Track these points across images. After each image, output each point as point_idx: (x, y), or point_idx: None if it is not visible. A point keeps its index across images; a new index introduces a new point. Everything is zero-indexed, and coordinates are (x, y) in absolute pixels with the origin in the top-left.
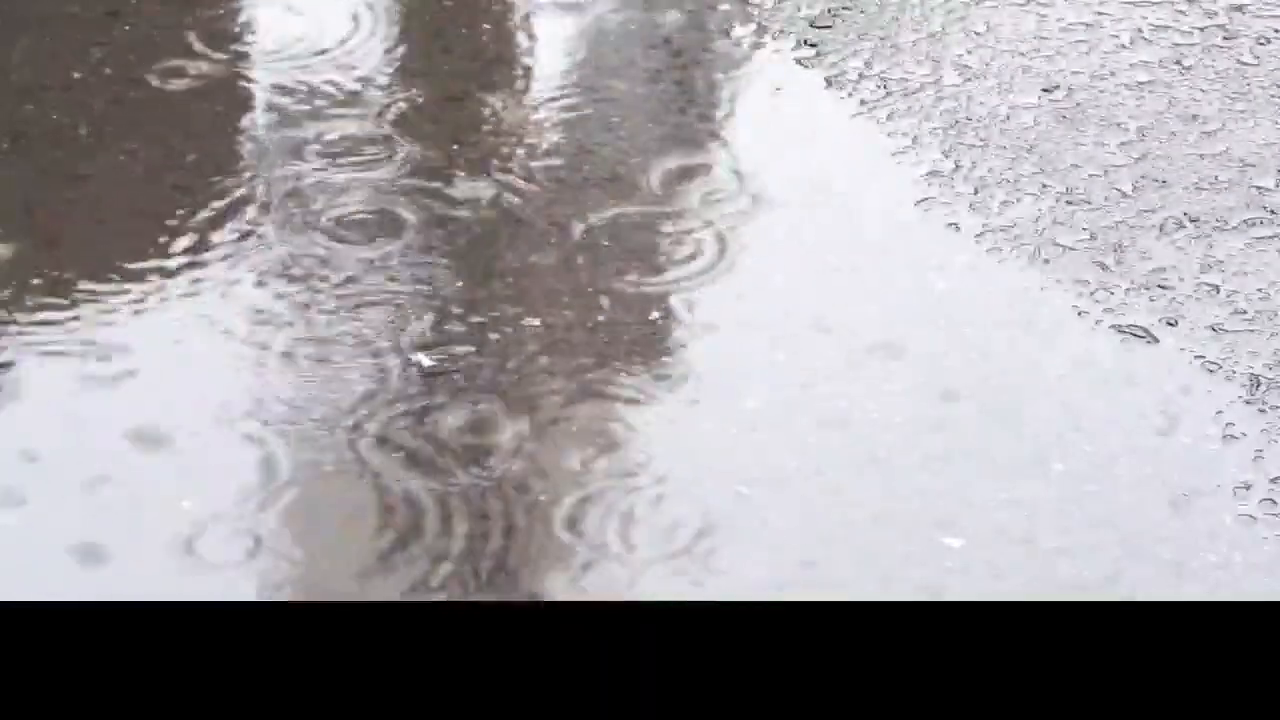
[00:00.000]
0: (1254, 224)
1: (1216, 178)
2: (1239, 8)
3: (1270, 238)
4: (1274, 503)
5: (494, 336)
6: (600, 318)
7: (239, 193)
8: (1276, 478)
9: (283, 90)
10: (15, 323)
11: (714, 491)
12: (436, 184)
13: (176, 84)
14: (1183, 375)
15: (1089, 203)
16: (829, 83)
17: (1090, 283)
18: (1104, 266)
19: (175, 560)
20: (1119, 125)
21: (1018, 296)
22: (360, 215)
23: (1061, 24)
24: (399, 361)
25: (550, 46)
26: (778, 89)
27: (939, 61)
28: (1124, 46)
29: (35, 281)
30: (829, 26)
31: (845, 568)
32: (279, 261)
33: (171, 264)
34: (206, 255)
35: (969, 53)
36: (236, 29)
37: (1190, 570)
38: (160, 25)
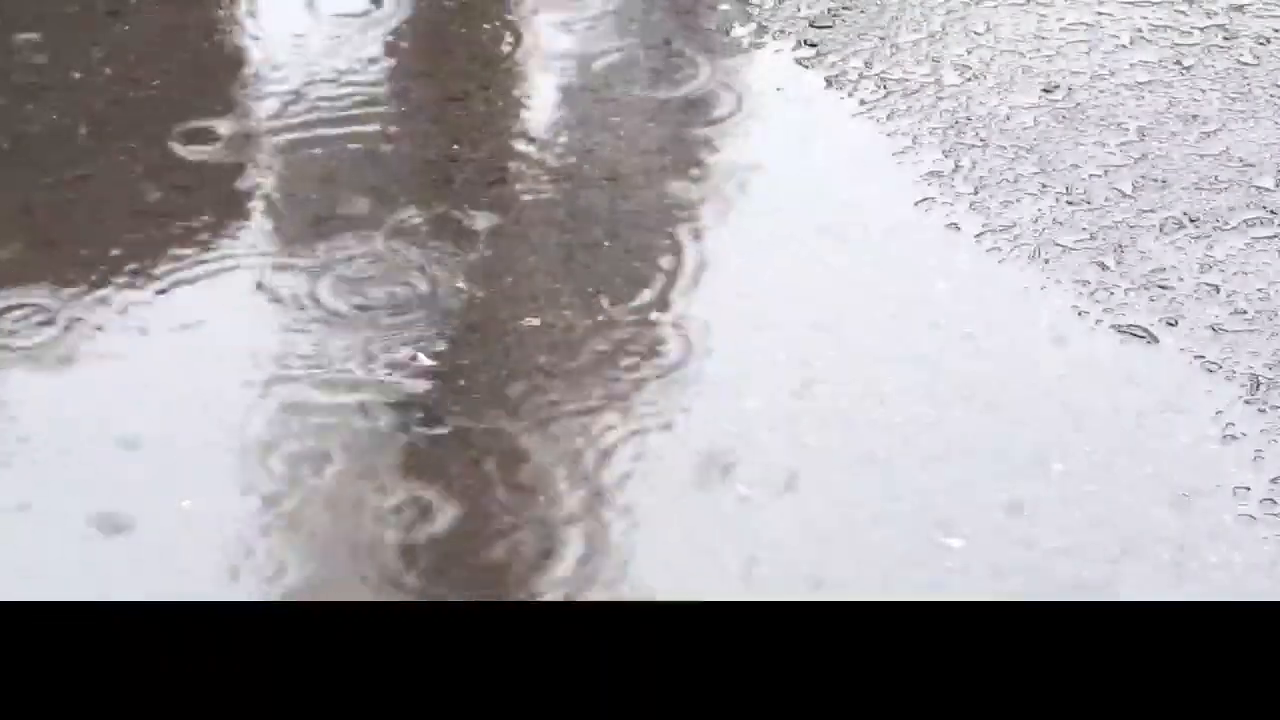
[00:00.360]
0: (1254, 224)
1: (1216, 178)
2: (1239, 8)
3: (1270, 238)
4: (1274, 503)
5: (494, 337)
6: (600, 318)
7: (239, 192)
8: (1276, 478)
9: (283, 90)
10: (15, 322)
11: (714, 492)
12: (436, 184)
13: (176, 83)
14: (1183, 375)
15: (1089, 203)
16: (829, 83)
17: (1090, 283)
18: (1104, 266)
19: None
20: (1119, 125)
21: (1018, 296)
22: (360, 215)
23: (1061, 24)
24: (399, 361)
25: (550, 47)
26: (778, 89)
27: (939, 61)
28: (1124, 46)
29: (35, 281)
30: (829, 26)
31: (845, 568)
32: (279, 261)
33: (171, 264)
34: (206, 255)
35: (969, 53)
36: (237, 28)
37: (1190, 570)
38: (161, 25)
